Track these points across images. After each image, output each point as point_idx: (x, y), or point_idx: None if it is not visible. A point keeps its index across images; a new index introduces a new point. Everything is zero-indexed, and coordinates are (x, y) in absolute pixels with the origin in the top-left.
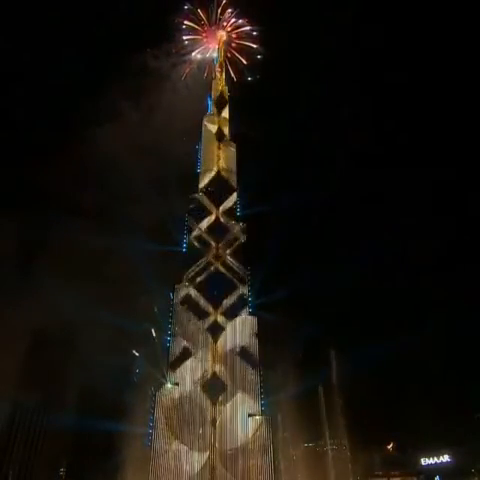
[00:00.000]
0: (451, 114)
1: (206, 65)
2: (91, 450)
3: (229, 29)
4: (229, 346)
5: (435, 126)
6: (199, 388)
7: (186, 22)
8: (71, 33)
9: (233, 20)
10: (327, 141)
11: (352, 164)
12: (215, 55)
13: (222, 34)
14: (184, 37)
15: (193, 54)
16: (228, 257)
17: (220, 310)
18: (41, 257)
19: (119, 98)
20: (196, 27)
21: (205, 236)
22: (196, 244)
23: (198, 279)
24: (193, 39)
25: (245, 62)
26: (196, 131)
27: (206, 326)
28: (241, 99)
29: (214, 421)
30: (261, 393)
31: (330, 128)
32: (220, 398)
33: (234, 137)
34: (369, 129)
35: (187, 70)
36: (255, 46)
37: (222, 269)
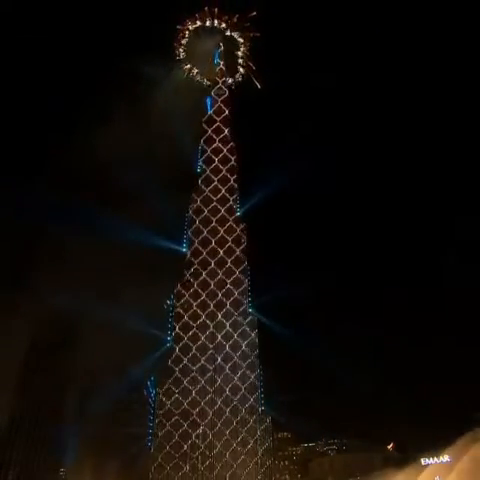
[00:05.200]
0: None
1: (206, 68)
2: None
3: (228, 33)
4: (229, 347)
5: None
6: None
7: (185, 26)
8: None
9: (231, 26)
10: None
11: None
12: (215, 58)
13: (221, 37)
14: (182, 41)
15: (192, 58)
16: (228, 257)
17: (221, 311)
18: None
19: (119, 101)
20: (195, 32)
21: (205, 235)
22: (196, 243)
23: (198, 279)
24: (192, 43)
25: (243, 66)
26: (196, 131)
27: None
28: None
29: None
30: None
31: None
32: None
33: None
34: None
35: (186, 73)
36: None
37: (222, 269)
